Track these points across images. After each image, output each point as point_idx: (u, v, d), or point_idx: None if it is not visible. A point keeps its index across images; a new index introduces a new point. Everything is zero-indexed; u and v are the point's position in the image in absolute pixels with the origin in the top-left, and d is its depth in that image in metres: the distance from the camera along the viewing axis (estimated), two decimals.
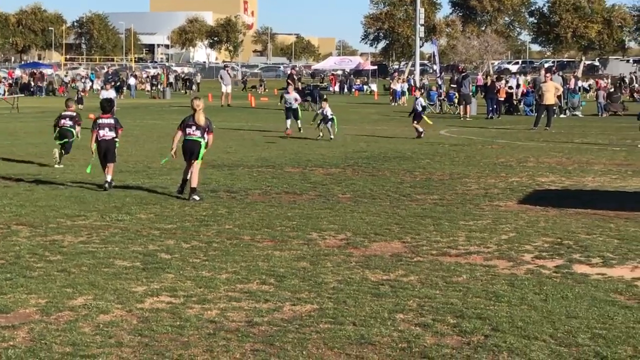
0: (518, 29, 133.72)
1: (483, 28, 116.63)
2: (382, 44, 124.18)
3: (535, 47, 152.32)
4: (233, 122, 38.15)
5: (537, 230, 13.31)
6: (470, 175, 19.99)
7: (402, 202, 16.06)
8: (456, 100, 46.63)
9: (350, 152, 24.94)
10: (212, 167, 21.23)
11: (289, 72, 67.37)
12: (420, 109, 30.92)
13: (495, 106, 43.21)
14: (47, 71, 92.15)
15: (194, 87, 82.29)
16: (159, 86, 74.88)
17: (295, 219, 14.09)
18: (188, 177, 16.27)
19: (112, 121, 17.58)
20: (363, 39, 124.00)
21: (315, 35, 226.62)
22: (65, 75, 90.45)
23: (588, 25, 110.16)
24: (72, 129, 21.50)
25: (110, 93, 34.74)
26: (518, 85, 49.35)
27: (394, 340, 7.84)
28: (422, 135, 29.77)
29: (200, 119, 16.25)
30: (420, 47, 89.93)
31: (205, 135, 16.22)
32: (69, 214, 14.43)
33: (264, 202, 15.94)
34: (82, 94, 58.41)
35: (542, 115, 34.94)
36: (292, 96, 31.73)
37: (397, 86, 60.46)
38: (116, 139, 17.53)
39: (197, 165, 16.16)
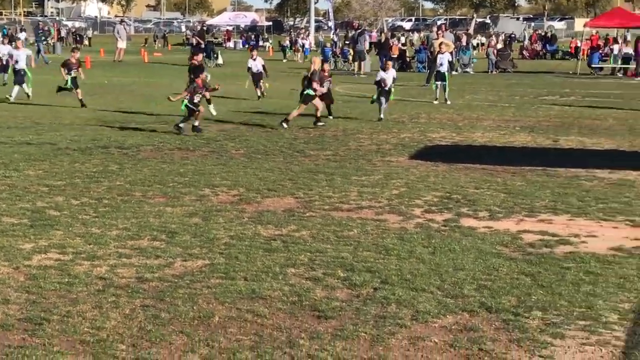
0: None
1: None
2: (277, 0, 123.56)
3: (429, 5, 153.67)
4: (126, 78, 37.54)
5: (427, 184, 13.52)
6: (363, 131, 20.15)
7: (296, 158, 16.11)
8: (350, 57, 46.76)
9: (244, 108, 24.85)
10: (104, 123, 20.93)
11: (185, 27, 66.18)
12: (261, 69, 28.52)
13: None
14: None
15: (85, 42, 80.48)
16: (49, 40, 73.00)
17: (187, 175, 14.01)
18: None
19: None
20: None
21: None
22: None
23: None
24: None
25: (6, 47, 33.91)
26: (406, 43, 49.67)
27: (284, 294, 7.91)
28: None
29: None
30: (315, 3, 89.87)
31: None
32: None
33: (156, 158, 15.79)
34: None
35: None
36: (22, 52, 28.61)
37: (286, 42, 60.15)
38: None
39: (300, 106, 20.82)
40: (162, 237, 9.99)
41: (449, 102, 26.99)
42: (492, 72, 45.82)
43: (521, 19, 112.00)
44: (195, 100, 19.19)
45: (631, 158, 16.59)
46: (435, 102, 27.20)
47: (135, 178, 13.71)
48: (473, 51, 51.86)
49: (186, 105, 19.14)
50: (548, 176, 14.36)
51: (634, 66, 43.57)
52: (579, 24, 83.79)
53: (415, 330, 7.06)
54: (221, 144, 17.61)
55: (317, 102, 20.95)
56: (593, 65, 46.78)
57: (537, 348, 6.67)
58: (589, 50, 49.70)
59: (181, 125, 19.15)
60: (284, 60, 56.89)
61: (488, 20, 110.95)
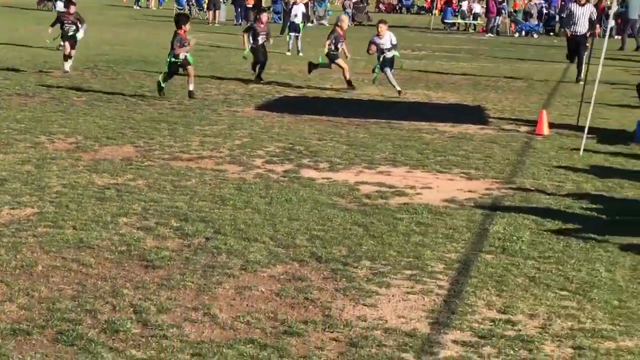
0: None
1: None
2: None
3: None
4: None
5: (271, 135, 13.48)
6: (211, 80, 19.92)
7: (139, 106, 15.80)
8: (205, 5, 46.17)
9: (91, 55, 24.18)
10: None
11: None
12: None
13: (243, 13, 43.16)
14: None
15: None
16: None
17: (24, 122, 13.55)
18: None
19: None
20: None
21: None
22: None
23: None
24: None
25: None
26: None
27: (113, 244, 7.74)
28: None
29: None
30: None
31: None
32: None
33: None
34: None
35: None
36: None
37: None
38: None
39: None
40: None
41: (301, 54, 26.96)
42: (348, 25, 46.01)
43: None
44: (181, 56, 16.84)
45: (473, 112, 16.95)
46: (288, 54, 27.18)
47: None
48: (329, 4, 51.95)
49: (171, 62, 16.92)
50: (391, 129, 14.52)
51: (485, 23, 44.53)
52: None
53: (244, 279, 7.02)
54: (62, 91, 17.11)
55: (341, 62, 19.97)
56: (446, 21, 47.63)
57: (362, 297, 6.73)
58: (444, 6, 50.50)
59: (163, 84, 17.03)
60: (137, 8, 55.70)
61: None
